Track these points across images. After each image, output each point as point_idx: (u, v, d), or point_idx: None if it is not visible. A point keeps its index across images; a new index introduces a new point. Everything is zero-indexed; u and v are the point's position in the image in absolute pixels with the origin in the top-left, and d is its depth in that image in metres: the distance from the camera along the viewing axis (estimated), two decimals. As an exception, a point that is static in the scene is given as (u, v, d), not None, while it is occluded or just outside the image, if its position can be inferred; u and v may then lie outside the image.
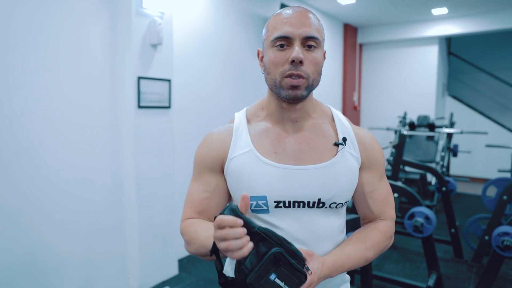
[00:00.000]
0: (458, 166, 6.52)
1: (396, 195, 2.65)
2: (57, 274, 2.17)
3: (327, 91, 5.60)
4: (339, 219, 0.91)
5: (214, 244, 0.69)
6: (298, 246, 0.84)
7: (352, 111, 6.31)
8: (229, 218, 0.63)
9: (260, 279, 0.67)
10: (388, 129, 5.48)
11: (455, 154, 5.28)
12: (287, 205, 0.84)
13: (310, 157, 0.86)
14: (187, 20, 3.12)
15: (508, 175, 5.11)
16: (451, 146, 5.19)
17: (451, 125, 5.18)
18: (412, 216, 2.45)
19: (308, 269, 0.72)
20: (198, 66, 3.25)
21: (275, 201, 0.84)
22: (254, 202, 0.84)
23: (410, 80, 6.24)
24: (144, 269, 2.61)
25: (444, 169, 4.99)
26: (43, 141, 2.10)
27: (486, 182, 3.23)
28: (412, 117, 5.94)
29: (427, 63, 6.08)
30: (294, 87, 0.81)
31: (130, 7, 2.40)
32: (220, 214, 0.66)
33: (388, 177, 2.56)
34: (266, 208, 0.84)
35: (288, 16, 0.83)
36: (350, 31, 6.08)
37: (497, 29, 5.34)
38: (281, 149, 0.87)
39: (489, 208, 3.12)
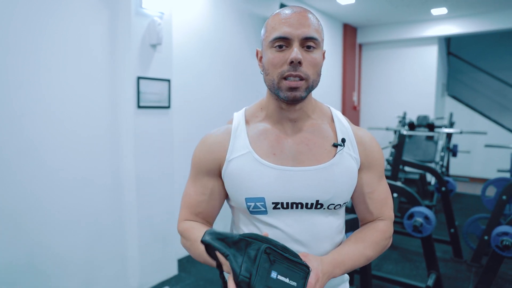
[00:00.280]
0: (457, 166, 6.53)
1: (395, 195, 2.65)
2: (57, 274, 2.18)
3: (327, 91, 5.60)
4: (338, 220, 0.91)
5: (219, 266, 0.77)
6: (297, 246, 0.85)
7: (351, 111, 6.31)
8: None
9: (263, 280, 0.67)
10: (387, 129, 5.48)
11: (454, 154, 5.28)
12: (285, 206, 0.85)
13: (308, 158, 0.86)
14: (187, 20, 3.12)
15: (507, 175, 5.11)
16: (451, 146, 5.19)
17: (451, 125, 5.18)
18: (411, 216, 2.45)
19: (307, 265, 0.72)
20: (197, 66, 3.25)
21: (273, 203, 0.84)
22: (252, 204, 0.84)
23: (409, 80, 6.24)
24: (143, 269, 2.61)
25: (444, 169, 5.00)
26: (43, 141, 2.10)
27: (485, 182, 3.23)
28: (412, 117, 5.94)
29: (427, 63, 6.08)
30: (293, 89, 0.81)
31: (130, 7, 2.40)
32: (201, 241, 0.75)
33: (388, 177, 2.56)
34: (264, 209, 0.85)
35: (287, 17, 0.82)
36: (349, 31, 6.09)
37: (496, 29, 5.34)
38: (280, 150, 0.86)
39: (489, 208, 3.12)
